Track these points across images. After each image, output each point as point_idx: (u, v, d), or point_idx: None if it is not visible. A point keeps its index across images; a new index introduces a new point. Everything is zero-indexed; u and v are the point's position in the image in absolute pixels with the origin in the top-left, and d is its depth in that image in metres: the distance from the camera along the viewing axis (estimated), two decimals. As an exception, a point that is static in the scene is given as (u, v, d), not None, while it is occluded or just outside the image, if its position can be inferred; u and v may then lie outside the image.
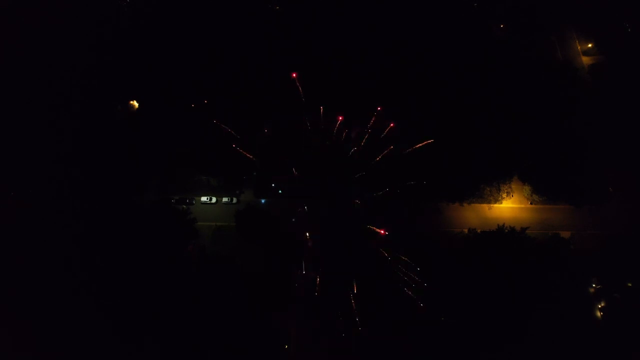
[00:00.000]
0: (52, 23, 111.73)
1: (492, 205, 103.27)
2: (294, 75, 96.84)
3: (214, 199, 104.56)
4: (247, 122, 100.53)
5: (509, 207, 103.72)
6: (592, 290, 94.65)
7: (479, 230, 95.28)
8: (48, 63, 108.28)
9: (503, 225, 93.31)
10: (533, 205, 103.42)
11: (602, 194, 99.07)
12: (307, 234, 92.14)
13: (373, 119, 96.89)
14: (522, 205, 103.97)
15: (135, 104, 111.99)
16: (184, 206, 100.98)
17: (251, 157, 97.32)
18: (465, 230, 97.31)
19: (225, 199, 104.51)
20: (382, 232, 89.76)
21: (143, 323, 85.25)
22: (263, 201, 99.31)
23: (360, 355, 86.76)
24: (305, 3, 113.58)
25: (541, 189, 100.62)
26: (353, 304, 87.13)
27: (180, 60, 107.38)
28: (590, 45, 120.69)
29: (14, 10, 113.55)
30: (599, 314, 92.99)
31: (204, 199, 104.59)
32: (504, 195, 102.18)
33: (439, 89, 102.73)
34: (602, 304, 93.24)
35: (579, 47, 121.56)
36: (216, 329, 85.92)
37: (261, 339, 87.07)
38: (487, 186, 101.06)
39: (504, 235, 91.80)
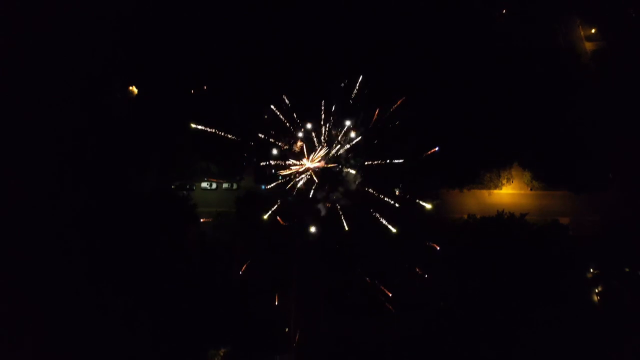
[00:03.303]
0: (51, 11, 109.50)
1: (492, 191, 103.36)
2: None
3: (214, 185, 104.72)
4: (247, 109, 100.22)
5: (508, 193, 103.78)
6: (590, 275, 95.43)
7: (478, 216, 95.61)
8: (46, 49, 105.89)
9: (502, 211, 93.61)
10: (533, 192, 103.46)
11: (602, 181, 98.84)
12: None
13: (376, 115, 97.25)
14: (522, 192, 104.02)
15: (135, 89, 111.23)
16: (185, 192, 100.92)
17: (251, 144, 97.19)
18: (465, 216, 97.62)
19: (225, 185, 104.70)
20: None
21: (142, 310, 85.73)
22: (263, 187, 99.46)
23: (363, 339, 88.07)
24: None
25: (541, 176, 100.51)
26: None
27: (180, 46, 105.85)
28: (593, 30, 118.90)
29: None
30: (596, 298, 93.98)
31: (204, 185, 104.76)
32: (504, 181, 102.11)
33: (438, 77, 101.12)
34: (600, 289, 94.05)
35: (581, 33, 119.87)
36: (215, 315, 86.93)
37: (261, 322, 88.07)
38: (487, 172, 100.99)
39: (504, 221, 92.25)
